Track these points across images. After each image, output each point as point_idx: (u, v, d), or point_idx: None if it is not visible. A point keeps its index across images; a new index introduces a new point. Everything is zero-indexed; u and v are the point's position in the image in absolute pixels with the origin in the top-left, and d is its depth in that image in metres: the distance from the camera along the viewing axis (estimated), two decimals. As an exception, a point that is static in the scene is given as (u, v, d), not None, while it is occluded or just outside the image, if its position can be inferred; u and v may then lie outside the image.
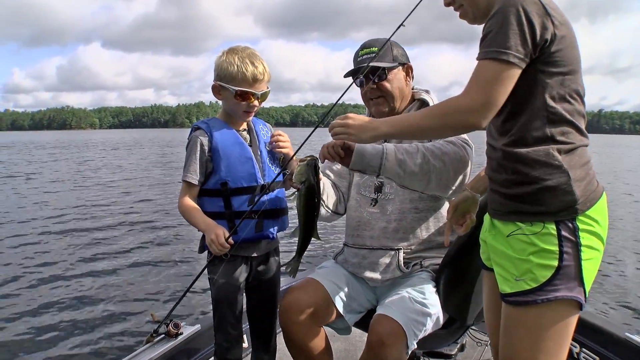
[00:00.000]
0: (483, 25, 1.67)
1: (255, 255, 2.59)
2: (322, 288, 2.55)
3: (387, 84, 2.56)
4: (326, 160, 2.29)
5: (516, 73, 1.59)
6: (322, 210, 2.66)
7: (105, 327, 5.53)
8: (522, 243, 1.69)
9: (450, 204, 2.22)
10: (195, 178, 2.50)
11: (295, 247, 2.34)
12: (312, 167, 2.19)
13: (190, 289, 2.67)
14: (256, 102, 2.55)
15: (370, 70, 2.50)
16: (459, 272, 2.35)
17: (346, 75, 2.59)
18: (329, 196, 2.72)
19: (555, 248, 1.63)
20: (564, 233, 1.63)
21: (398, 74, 2.59)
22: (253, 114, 2.62)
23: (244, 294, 2.67)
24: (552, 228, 1.64)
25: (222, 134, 2.55)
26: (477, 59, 1.64)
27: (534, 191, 1.67)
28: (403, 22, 2.18)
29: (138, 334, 5.31)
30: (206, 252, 2.56)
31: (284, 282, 2.98)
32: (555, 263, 1.63)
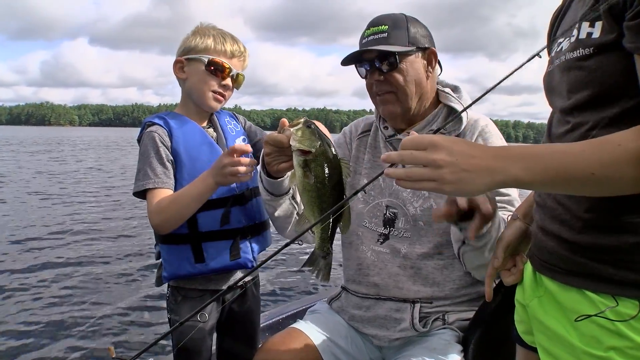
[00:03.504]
0: None
1: (229, 286, 2.10)
2: (310, 343, 1.99)
3: (398, 76, 1.91)
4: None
5: None
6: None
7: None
8: (597, 329, 1.10)
9: (501, 241, 1.52)
10: (165, 181, 1.98)
11: (317, 241, 1.62)
12: (315, 129, 1.58)
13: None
14: (229, 81, 2.09)
15: (376, 56, 1.92)
16: (499, 334, 1.71)
17: (344, 62, 2.02)
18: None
19: None
20: None
21: (415, 62, 1.93)
22: (224, 102, 2.14)
23: (215, 335, 2.21)
24: None
25: (184, 132, 2.07)
26: None
27: (629, 246, 1.07)
28: (539, 52, 1.44)
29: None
30: (166, 287, 2.05)
31: (266, 317, 2.49)
32: None
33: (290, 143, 1.58)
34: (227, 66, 2.07)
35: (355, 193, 1.45)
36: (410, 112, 1.98)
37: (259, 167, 1.94)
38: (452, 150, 1.10)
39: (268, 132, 1.79)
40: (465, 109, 1.50)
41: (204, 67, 2.05)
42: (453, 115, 1.97)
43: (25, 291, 6.62)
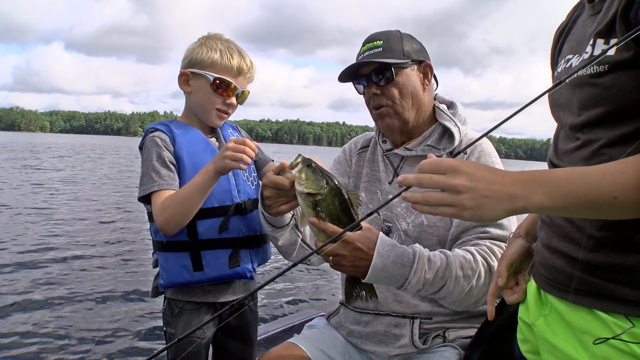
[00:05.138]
0: None
1: (225, 301, 2.07)
2: (307, 358, 1.97)
3: (394, 89, 1.94)
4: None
5: None
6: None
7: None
8: (610, 350, 1.07)
9: (503, 259, 1.48)
10: (170, 183, 1.95)
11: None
12: (317, 167, 1.62)
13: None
14: (234, 100, 2.08)
15: (373, 70, 1.95)
16: (502, 353, 1.68)
17: (340, 79, 2.05)
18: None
19: None
20: None
21: (411, 74, 1.97)
22: (227, 117, 2.14)
23: (210, 349, 2.18)
24: None
25: (188, 139, 2.05)
26: None
27: None
28: (565, 79, 1.22)
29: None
30: (163, 299, 2.02)
31: (263, 330, 2.45)
32: None
33: (297, 188, 1.60)
34: (233, 86, 2.06)
35: (370, 214, 1.45)
36: (408, 124, 2.00)
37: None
38: (473, 175, 1.08)
39: (267, 174, 1.78)
40: (484, 135, 1.50)
41: (209, 85, 2.04)
42: (447, 134, 2.00)
43: (16, 304, 6.44)
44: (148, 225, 2.08)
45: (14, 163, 30.20)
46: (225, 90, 2.05)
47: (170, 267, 2.00)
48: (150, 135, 2.04)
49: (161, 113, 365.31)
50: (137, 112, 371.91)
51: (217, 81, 2.03)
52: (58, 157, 41.20)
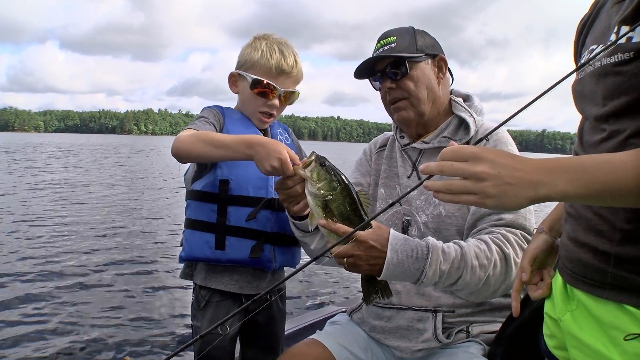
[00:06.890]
0: None
1: (251, 293, 2.07)
2: (329, 355, 1.98)
3: (409, 82, 1.95)
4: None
5: None
6: (314, 243, 2.05)
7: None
8: None
9: (526, 254, 1.46)
10: (210, 128, 1.95)
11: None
12: (330, 167, 1.61)
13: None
14: (276, 101, 2.06)
15: (387, 66, 1.97)
16: (527, 349, 1.61)
17: (356, 75, 2.06)
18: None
19: None
20: None
21: (425, 68, 1.98)
22: (272, 119, 2.12)
23: (237, 343, 2.20)
24: None
25: (235, 123, 2.06)
26: None
27: None
28: (585, 63, 1.27)
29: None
30: (192, 290, 2.06)
31: (285, 327, 2.46)
32: None
33: (310, 190, 1.61)
34: (272, 87, 2.03)
35: (392, 205, 1.46)
36: (424, 117, 2.01)
37: None
38: (495, 162, 1.06)
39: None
40: (506, 122, 1.51)
41: (248, 87, 2.04)
42: (464, 125, 2.01)
43: (41, 298, 6.49)
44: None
45: (14, 165, 29.92)
46: (266, 91, 2.04)
47: (194, 242, 2.02)
48: (207, 108, 2.08)
49: (156, 110, 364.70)
50: (131, 110, 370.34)
51: (256, 84, 2.02)
52: (63, 157, 41.05)
